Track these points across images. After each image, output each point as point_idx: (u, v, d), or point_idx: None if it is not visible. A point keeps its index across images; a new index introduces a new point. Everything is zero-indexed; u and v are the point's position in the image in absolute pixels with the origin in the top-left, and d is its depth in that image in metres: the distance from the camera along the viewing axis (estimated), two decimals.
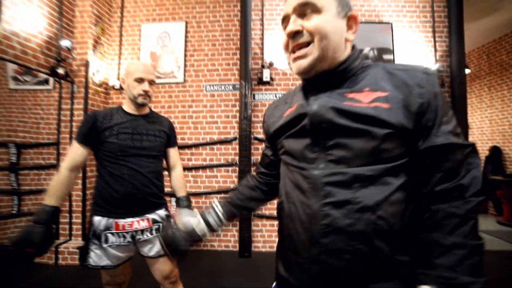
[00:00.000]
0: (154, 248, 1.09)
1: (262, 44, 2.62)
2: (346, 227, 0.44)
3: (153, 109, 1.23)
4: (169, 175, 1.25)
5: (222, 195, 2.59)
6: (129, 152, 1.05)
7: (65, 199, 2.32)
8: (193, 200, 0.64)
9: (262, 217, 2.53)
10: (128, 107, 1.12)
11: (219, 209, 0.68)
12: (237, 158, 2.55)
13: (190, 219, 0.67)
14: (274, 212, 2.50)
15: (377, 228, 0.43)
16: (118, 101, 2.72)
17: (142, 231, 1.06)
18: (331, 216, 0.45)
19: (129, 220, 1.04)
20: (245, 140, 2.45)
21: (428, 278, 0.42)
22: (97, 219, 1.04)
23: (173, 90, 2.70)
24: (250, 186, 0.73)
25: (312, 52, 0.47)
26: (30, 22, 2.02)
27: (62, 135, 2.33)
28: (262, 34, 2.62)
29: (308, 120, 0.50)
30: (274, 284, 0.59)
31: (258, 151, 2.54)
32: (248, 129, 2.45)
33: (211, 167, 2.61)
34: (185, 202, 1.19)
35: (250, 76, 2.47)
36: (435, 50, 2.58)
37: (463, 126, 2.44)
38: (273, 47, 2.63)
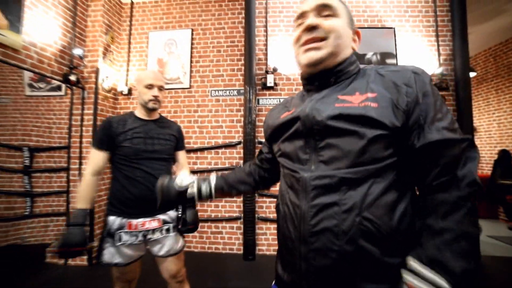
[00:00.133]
0: (164, 248, 1.14)
1: (266, 50, 2.67)
2: (333, 228, 0.45)
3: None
4: None
5: (227, 198, 2.62)
6: (142, 156, 1.11)
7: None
8: (198, 202, 0.69)
9: (266, 220, 2.55)
10: (140, 113, 1.19)
11: (213, 182, 0.75)
12: (241, 162, 2.59)
13: (187, 179, 0.73)
14: None
15: (363, 229, 0.44)
16: (126, 106, 2.81)
17: (153, 230, 1.11)
18: (318, 216, 0.47)
19: (141, 220, 1.10)
20: (249, 144, 2.48)
21: (414, 254, 0.44)
22: (111, 218, 1.09)
23: (179, 95, 2.77)
24: (246, 171, 0.80)
25: (326, 47, 0.52)
26: (47, 33, 2.13)
27: (73, 139, 2.42)
28: (266, 41, 2.68)
29: (301, 123, 0.53)
30: (273, 283, 0.62)
31: None
32: (252, 133, 2.49)
33: (216, 170, 2.65)
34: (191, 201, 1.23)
35: (254, 81, 2.52)
36: (439, 54, 2.58)
37: (469, 129, 2.41)
38: (276, 53, 2.68)
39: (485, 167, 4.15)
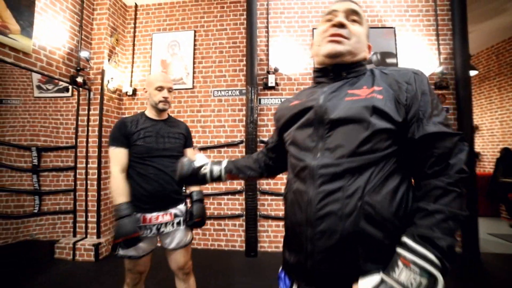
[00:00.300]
0: (174, 241, 1.22)
1: (268, 50, 2.71)
2: (337, 211, 0.50)
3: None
4: None
5: (229, 196, 2.67)
6: (154, 154, 1.18)
7: (83, 198, 2.46)
8: (210, 182, 0.79)
9: (268, 217, 2.59)
10: (150, 113, 1.25)
11: (224, 165, 0.82)
12: None
13: (202, 160, 0.82)
14: (280, 213, 2.57)
15: (365, 212, 0.49)
16: (130, 106, 2.88)
17: (166, 224, 1.18)
18: (324, 201, 0.52)
19: (155, 214, 1.16)
20: (251, 143, 2.53)
21: (408, 233, 0.48)
22: None
23: (182, 95, 2.83)
24: (253, 158, 0.87)
25: (348, 45, 0.59)
26: (55, 37, 2.20)
27: (79, 139, 2.49)
28: (268, 41, 2.72)
29: (313, 112, 0.59)
30: (280, 269, 0.66)
31: None
32: (254, 132, 2.53)
33: None
34: (198, 195, 1.29)
35: (256, 81, 2.56)
36: (439, 53, 2.59)
37: (469, 128, 2.42)
38: (278, 54, 2.72)
39: (487, 165, 4.14)
